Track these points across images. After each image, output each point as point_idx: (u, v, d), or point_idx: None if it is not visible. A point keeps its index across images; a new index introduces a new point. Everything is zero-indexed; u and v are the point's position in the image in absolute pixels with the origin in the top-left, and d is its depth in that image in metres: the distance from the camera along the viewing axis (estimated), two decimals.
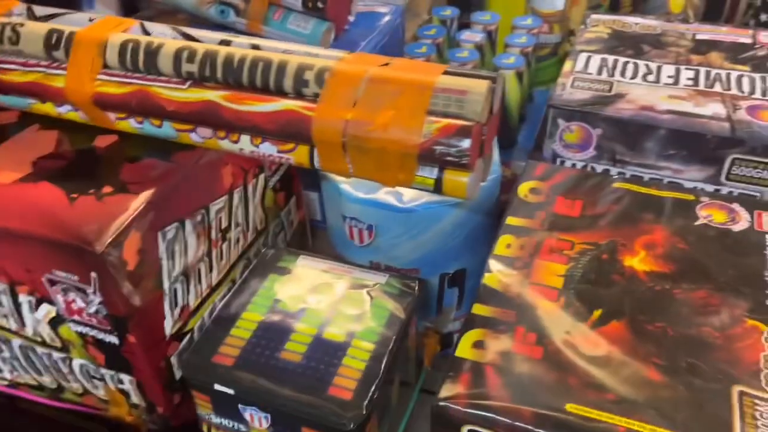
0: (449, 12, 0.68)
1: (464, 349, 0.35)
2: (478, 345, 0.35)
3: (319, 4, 0.59)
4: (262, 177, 0.49)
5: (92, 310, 0.38)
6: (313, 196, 0.63)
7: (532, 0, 0.71)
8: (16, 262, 0.38)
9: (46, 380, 0.46)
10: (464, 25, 0.67)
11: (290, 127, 0.36)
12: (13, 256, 0.38)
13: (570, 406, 0.31)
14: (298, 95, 0.36)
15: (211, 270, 0.45)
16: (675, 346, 0.34)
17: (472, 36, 0.62)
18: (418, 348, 0.49)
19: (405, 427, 0.47)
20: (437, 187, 0.36)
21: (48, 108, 0.43)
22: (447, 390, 0.33)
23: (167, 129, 0.40)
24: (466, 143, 0.33)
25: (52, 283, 0.38)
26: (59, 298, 0.39)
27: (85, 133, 0.43)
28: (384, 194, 0.45)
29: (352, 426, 0.37)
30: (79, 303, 0.38)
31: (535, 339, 0.35)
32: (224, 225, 0.45)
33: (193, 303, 0.43)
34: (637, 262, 0.39)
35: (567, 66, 0.56)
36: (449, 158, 0.33)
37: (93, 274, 0.36)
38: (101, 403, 0.45)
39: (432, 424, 0.34)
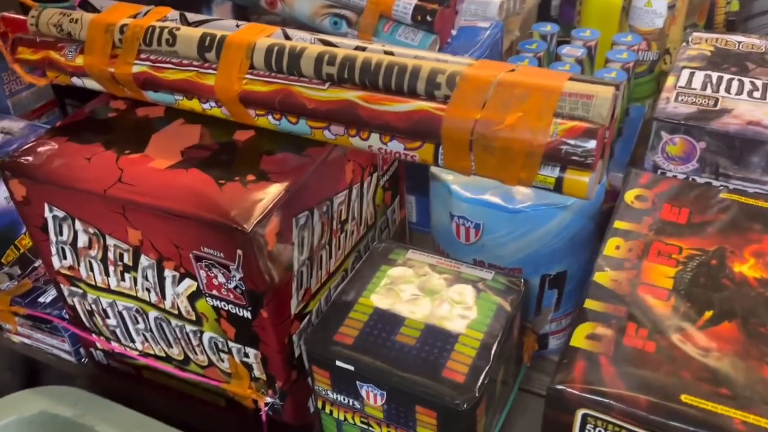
0: (549, 28, 0.70)
1: (578, 340, 0.37)
2: (592, 337, 0.37)
3: (428, 18, 0.63)
4: (375, 176, 0.53)
5: (231, 285, 0.42)
6: (410, 199, 0.67)
7: (631, 17, 0.72)
8: (168, 240, 0.42)
9: (174, 352, 0.50)
10: (562, 41, 0.69)
11: (421, 125, 0.39)
12: (165, 234, 0.42)
13: (685, 397, 0.33)
14: (430, 97, 0.40)
15: (330, 258, 0.48)
16: None
17: (573, 51, 0.65)
18: (519, 347, 0.51)
19: (503, 423, 0.49)
20: (557, 186, 0.38)
21: (193, 104, 0.47)
22: (563, 375, 0.35)
23: (302, 126, 0.44)
24: (592, 144, 0.35)
25: (198, 259, 0.42)
26: (202, 274, 0.43)
27: (225, 127, 0.47)
28: (493, 195, 0.48)
29: (465, 407, 0.39)
30: (220, 279, 0.42)
31: (647, 334, 0.37)
32: (343, 217, 0.49)
33: (314, 287, 0.47)
34: (747, 268, 0.40)
35: (670, 81, 0.57)
36: (574, 158, 0.36)
37: (239, 252, 0.40)
38: (223, 376, 0.49)
39: (546, 407, 0.36)
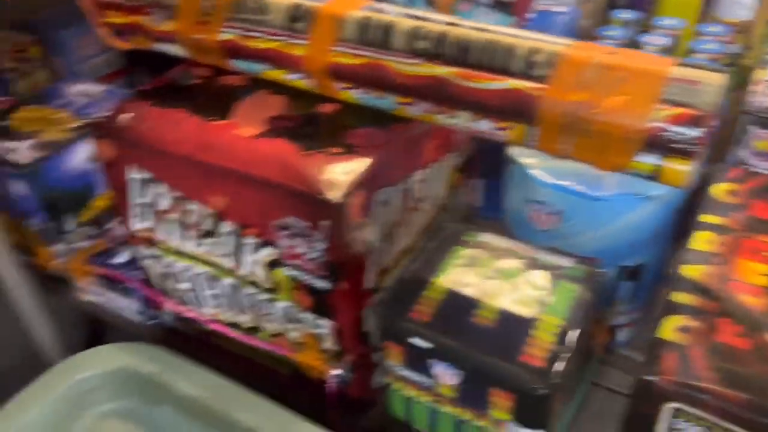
0: (629, 15, 0.68)
1: (667, 332, 0.36)
2: (682, 329, 0.36)
3: (508, 0, 0.62)
4: (451, 156, 0.52)
5: (313, 255, 0.42)
6: (477, 184, 0.66)
7: (716, 7, 0.70)
8: (252, 207, 0.43)
9: (245, 319, 0.51)
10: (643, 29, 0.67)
11: (516, 105, 0.38)
12: (250, 201, 0.43)
13: None
14: (525, 76, 0.39)
15: (403, 235, 0.48)
16: None
17: (656, 39, 0.63)
18: (591, 337, 0.50)
19: (574, 414, 0.49)
20: (654, 174, 0.37)
21: (278, 74, 0.47)
22: (653, 367, 0.34)
23: (389, 101, 0.44)
24: (698, 132, 0.34)
25: (282, 228, 0.42)
26: (284, 243, 0.43)
27: (308, 99, 0.47)
28: (575, 181, 0.47)
29: (544, 393, 0.39)
30: (302, 248, 0.42)
31: (740, 331, 0.36)
32: (419, 195, 0.49)
33: (387, 263, 0.47)
34: None
35: (760, 74, 0.55)
36: (677, 146, 0.35)
37: (325, 222, 0.40)
38: (293, 346, 0.50)
39: (633, 398, 0.35)
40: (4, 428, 0.40)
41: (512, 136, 0.40)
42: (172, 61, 0.53)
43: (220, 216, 0.45)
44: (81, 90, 0.67)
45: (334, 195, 0.39)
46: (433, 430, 0.46)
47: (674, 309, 0.37)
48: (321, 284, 0.43)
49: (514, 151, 0.51)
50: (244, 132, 0.44)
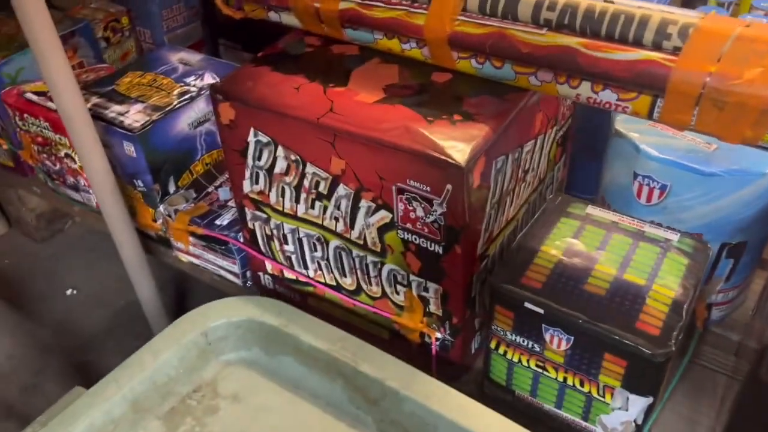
0: None
1: None
2: None
3: None
4: (554, 129, 0.53)
5: (430, 219, 0.43)
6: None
7: None
8: (372, 171, 0.44)
9: (347, 281, 0.53)
10: None
11: (646, 76, 0.39)
12: (371, 165, 0.44)
13: None
14: (657, 48, 0.39)
15: (511, 204, 0.49)
16: None
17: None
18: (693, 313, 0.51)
19: (671, 389, 0.49)
20: None
21: (393, 44, 0.48)
22: None
23: (507, 71, 0.44)
24: None
25: (401, 191, 0.44)
26: (401, 206, 0.44)
27: (422, 69, 0.48)
28: (685, 156, 0.47)
29: (661, 359, 0.39)
30: (419, 212, 0.44)
31: None
32: (527, 166, 0.49)
33: (496, 230, 0.48)
34: None
35: None
36: None
37: (448, 186, 0.41)
38: (395, 308, 0.51)
39: (753, 363, 0.36)
40: (139, 369, 0.42)
41: (636, 108, 0.41)
42: (253, 35, 0.54)
43: (337, 179, 0.47)
44: (181, 57, 0.69)
45: (461, 160, 0.40)
46: (534, 395, 0.48)
47: None
48: (435, 248, 0.45)
49: (621, 126, 0.51)
50: (364, 98, 0.45)
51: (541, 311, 0.43)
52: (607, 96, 0.41)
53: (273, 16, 0.54)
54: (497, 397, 0.50)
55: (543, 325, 0.43)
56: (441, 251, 0.45)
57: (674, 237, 0.47)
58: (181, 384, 0.45)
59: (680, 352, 0.48)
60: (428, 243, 0.45)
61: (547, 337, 0.43)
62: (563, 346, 0.43)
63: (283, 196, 0.51)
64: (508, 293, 0.44)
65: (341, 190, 0.47)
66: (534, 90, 0.45)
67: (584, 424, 0.46)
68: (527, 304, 0.43)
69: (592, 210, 0.49)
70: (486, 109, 0.44)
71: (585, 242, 0.47)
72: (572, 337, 0.42)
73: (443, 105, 0.45)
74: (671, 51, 0.39)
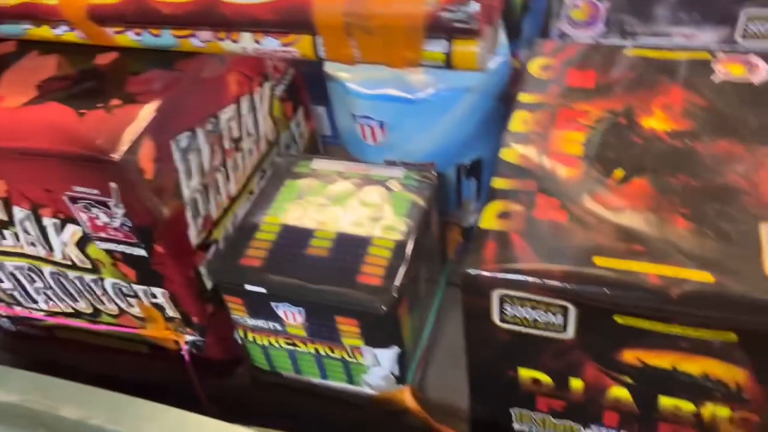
0: None
1: (488, 221, 0.35)
2: (502, 216, 0.35)
3: None
4: (267, 85, 0.49)
5: (117, 224, 0.38)
6: (321, 110, 0.63)
7: None
8: (35, 184, 0.38)
9: (82, 306, 0.47)
10: None
11: (291, 14, 0.35)
12: (30, 177, 0.38)
13: (598, 260, 0.32)
14: None
15: (228, 180, 0.45)
16: (701, 195, 0.34)
17: None
18: (441, 242, 0.49)
19: (435, 319, 0.48)
20: (448, 61, 0.35)
21: (44, 32, 0.42)
22: (475, 259, 0.33)
23: (167, 38, 0.39)
24: (474, 7, 0.32)
25: (74, 200, 0.38)
26: (83, 216, 0.39)
27: (85, 53, 0.42)
28: (392, 88, 0.45)
29: (384, 309, 0.37)
30: (103, 218, 0.38)
31: (558, 204, 0.35)
32: (236, 134, 0.45)
33: (214, 213, 0.44)
34: (656, 122, 0.39)
35: None
36: (458, 25, 0.33)
37: (113, 185, 0.36)
38: (138, 322, 0.46)
39: (463, 294, 0.34)
40: None
41: (302, 51, 0.37)
42: None
43: (8, 202, 0.40)
44: None
45: (113, 152, 0.35)
46: (299, 372, 0.45)
47: (494, 196, 0.36)
48: (138, 252, 0.40)
49: (330, 68, 0.47)
50: (11, 103, 0.39)
51: (263, 290, 0.39)
52: (271, 44, 0.37)
53: None
54: (269, 381, 0.47)
55: (271, 303, 0.40)
56: (145, 254, 0.40)
57: (400, 174, 0.44)
58: None
59: (430, 285, 0.47)
60: (130, 248, 0.40)
61: (281, 314, 0.40)
62: (299, 320, 0.40)
63: None
64: (226, 279, 0.40)
65: (18, 212, 0.41)
66: (200, 52, 0.40)
67: (353, 387, 0.44)
68: (248, 286, 0.39)
69: (318, 164, 0.46)
70: (153, 85, 0.39)
71: (309, 201, 0.43)
72: (302, 309, 0.39)
73: (102, 92, 0.39)
74: None
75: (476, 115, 0.46)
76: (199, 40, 0.39)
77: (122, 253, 0.40)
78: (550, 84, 0.43)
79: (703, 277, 0.30)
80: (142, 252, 0.40)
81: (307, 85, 0.56)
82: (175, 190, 0.39)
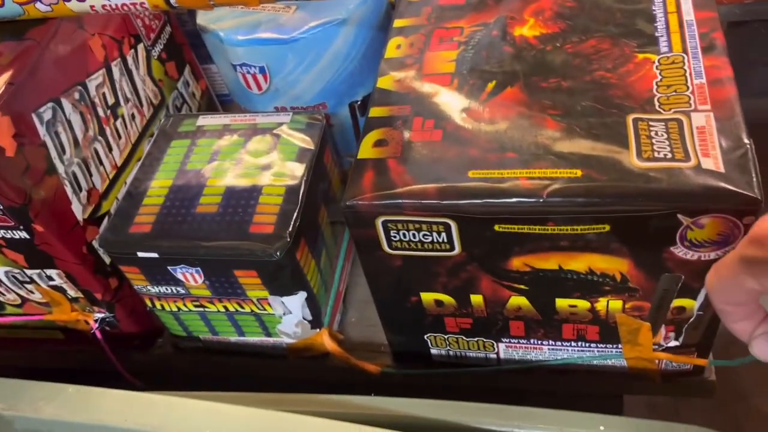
0: None
1: (365, 151, 0.34)
2: (378, 143, 0.34)
3: None
4: (141, 47, 0.46)
5: None
6: (215, 68, 0.61)
7: None
8: None
9: None
10: None
11: None
12: None
13: (473, 173, 0.31)
14: None
15: (110, 150, 0.43)
16: (570, 95, 0.34)
17: None
18: (343, 182, 0.49)
19: (343, 260, 0.48)
20: None
21: None
22: (353, 191, 0.32)
23: (10, 6, 0.37)
24: None
25: None
26: None
27: None
28: (265, 30, 0.43)
29: (278, 255, 0.37)
30: None
31: (433, 124, 0.34)
32: (111, 101, 0.43)
33: (100, 185, 0.42)
34: (527, 29, 0.38)
35: None
36: None
37: None
38: (42, 308, 0.45)
39: (348, 227, 0.34)
40: None
41: (151, 2, 0.35)
42: None
43: None
44: None
45: None
46: (215, 333, 0.44)
47: (371, 125, 0.36)
48: (19, 235, 0.38)
49: (203, 20, 0.45)
50: None
51: (156, 254, 0.38)
52: None
53: None
54: (190, 347, 0.46)
55: (168, 267, 0.39)
56: (27, 236, 0.38)
57: (286, 119, 0.43)
58: None
59: (330, 226, 0.46)
60: (10, 232, 0.38)
61: (180, 276, 0.39)
62: (199, 280, 0.39)
63: None
64: (117, 250, 0.39)
65: None
66: (51, 17, 0.38)
67: (272, 340, 0.44)
68: (140, 253, 0.38)
69: (204, 120, 0.45)
70: (2, 57, 0.37)
71: (196, 160, 0.42)
72: (199, 268, 0.38)
73: None
74: None
75: (356, 46, 0.45)
76: (44, 4, 0.37)
77: (3, 238, 0.39)
78: (423, 6, 0.42)
79: (571, 173, 0.30)
80: (24, 234, 0.38)
81: (198, 44, 0.54)
82: (48, 165, 0.38)
